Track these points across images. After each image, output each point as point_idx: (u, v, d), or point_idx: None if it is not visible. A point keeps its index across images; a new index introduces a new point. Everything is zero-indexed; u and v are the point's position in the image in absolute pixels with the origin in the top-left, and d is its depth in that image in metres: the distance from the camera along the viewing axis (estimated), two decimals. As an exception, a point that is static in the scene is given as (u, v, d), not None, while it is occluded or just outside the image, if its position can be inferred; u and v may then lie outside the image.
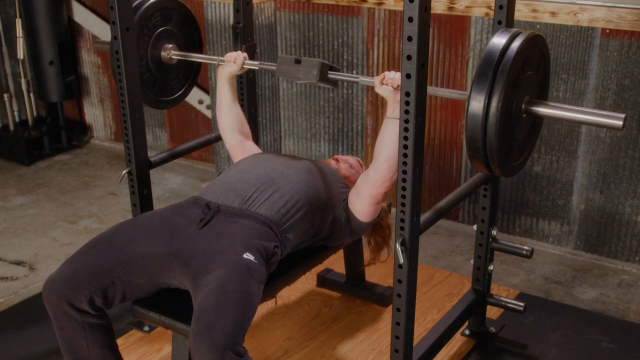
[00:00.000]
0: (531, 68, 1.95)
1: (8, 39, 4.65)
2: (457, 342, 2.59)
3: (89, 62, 4.59)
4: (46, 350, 2.59)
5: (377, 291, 2.83)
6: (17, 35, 4.36)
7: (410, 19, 1.65)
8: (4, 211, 3.78)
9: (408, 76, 1.71)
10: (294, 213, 2.16)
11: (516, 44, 1.85)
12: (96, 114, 4.72)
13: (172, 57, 2.61)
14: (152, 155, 2.58)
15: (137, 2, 2.46)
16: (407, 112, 1.74)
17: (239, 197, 2.15)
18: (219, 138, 2.69)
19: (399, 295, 1.94)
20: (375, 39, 3.48)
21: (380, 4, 3.40)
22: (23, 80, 4.51)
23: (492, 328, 2.63)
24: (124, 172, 2.47)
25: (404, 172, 1.80)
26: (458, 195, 2.23)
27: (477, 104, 1.82)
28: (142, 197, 2.50)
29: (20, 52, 4.39)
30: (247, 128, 2.59)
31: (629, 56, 2.91)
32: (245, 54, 2.48)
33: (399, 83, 2.08)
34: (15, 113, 4.60)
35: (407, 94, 1.72)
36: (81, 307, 2.00)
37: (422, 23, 1.66)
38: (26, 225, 3.63)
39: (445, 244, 3.37)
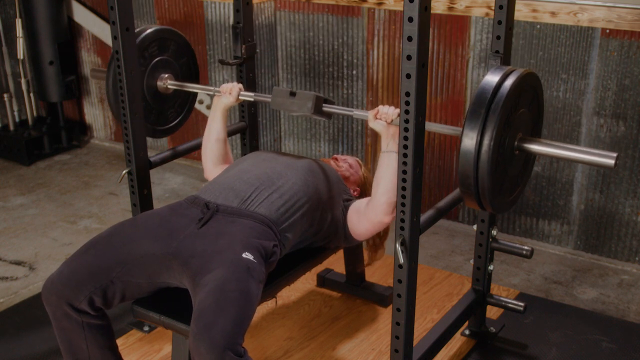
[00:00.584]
0: (524, 105, 1.98)
1: (8, 39, 4.65)
2: (457, 342, 2.59)
3: (89, 62, 4.59)
4: (46, 350, 2.59)
5: (377, 291, 2.83)
6: (17, 35, 4.36)
7: (410, 19, 1.65)
8: (4, 211, 3.78)
9: (408, 76, 1.70)
10: (293, 212, 2.16)
11: (509, 82, 1.88)
12: (96, 114, 4.72)
13: (169, 86, 2.61)
14: (152, 155, 2.58)
15: None
16: (407, 112, 1.74)
17: (238, 197, 2.15)
18: (219, 138, 2.69)
19: (399, 295, 1.94)
20: (375, 39, 3.48)
21: (380, 4, 3.40)
22: (23, 80, 4.51)
23: (492, 328, 2.63)
24: (124, 172, 2.47)
25: (404, 172, 1.80)
26: (458, 195, 2.23)
27: (469, 141, 1.84)
28: (142, 197, 2.50)
29: (20, 52, 4.39)
30: (230, 158, 2.58)
31: (629, 56, 2.91)
32: (240, 85, 2.50)
33: (393, 118, 2.09)
34: (15, 113, 4.60)
35: (407, 94, 1.72)
36: (81, 308, 2.00)
37: (422, 23, 1.66)
38: (26, 225, 3.63)
39: (445, 244, 3.37)
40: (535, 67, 3.11)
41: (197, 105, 4.13)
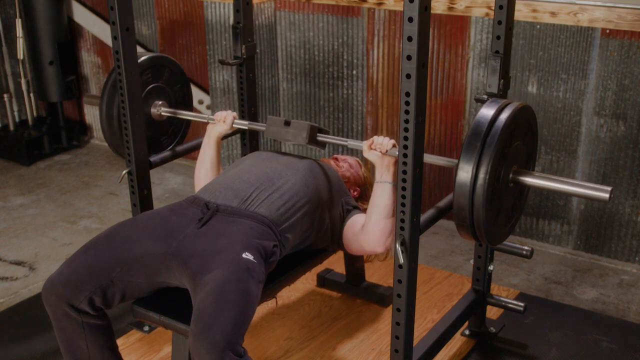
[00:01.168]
0: (519, 138, 2.00)
1: (8, 39, 4.65)
2: (457, 342, 2.59)
3: (89, 62, 4.59)
4: (46, 350, 2.59)
5: (377, 291, 2.83)
6: (17, 35, 4.36)
7: (410, 19, 1.65)
8: (4, 211, 3.78)
9: (408, 76, 1.70)
10: (293, 213, 2.16)
11: (504, 115, 1.90)
12: (96, 114, 4.72)
13: (162, 113, 2.61)
14: (152, 155, 2.58)
15: None
16: (407, 112, 1.74)
17: (238, 197, 2.14)
18: (219, 138, 2.69)
19: (399, 295, 1.94)
20: (375, 39, 3.48)
21: (380, 4, 3.40)
22: (23, 80, 4.51)
23: (492, 328, 2.63)
24: (124, 172, 2.47)
25: (404, 172, 1.80)
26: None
27: (465, 175, 1.86)
28: (142, 197, 2.50)
29: (20, 52, 4.39)
30: None
31: (629, 56, 2.91)
32: (234, 113, 2.50)
33: (388, 148, 2.09)
34: (15, 113, 4.60)
35: (407, 94, 1.72)
36: (81, 308, 2.00)
37: (422, 23, 1.66)
38: (26, 225, 3.63)
39: (445, 244, 3.37)
40: (535, 67, 3.11)
41: (197, 105, 4.13)
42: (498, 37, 2.23)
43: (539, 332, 2.67)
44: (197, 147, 2.75)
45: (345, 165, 2.52)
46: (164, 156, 2.62)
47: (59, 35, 4.33)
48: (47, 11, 4.25)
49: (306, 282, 2.94)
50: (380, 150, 2.11)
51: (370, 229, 2.17)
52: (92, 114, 4.75)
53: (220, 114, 2.49)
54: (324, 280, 2.93)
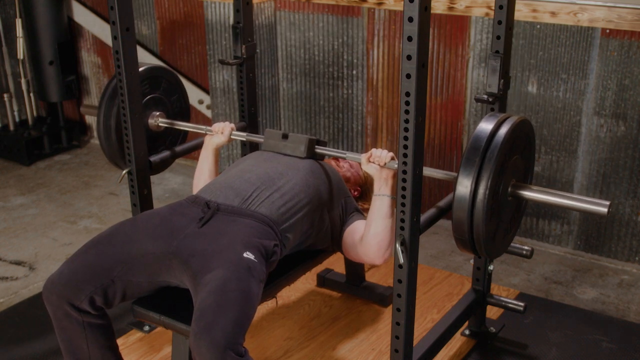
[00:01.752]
0: (517, 152, 2.00)
1: (8, 39, 4.65)
2: (457, 342, 2.59)
3: (89, 62, 4.59)
4: (46, 350, 2.59)
5: (377, 291, 2.83)
6: (17, 35, 4.36)
7: (410, 19, 1.65)
8: (4, 211, 3.78)
9: (408, 76, 1.70)
10: (294, 213, 2.16)
11: (503, 130, 1.90)
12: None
13: (160, 124, 2.61)
14: (152, 155, 2.58)
15: None
16: (407, 112, 1.74)
17: (238, 196, 2.14)
18: (219, 138, 2.69)
19: (399, 295, 1.94)
20: (375, 39, 3.48)
21: (380, 4, 3.40)
22: (23, 80, 4.51)
23: (492, 328, 2.63)
24: (124, 172, 2.47)
25: (404, 172, 1.80)
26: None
27: (464, 190, 1.86)
28: (142, 197, 2.50)
29: (20, 52, 4.40)
30: None
31: (629, 56, 2.91)
32: (232, 125, 2.50)
33: (386, 161, 2.10)
34: (15, 113, 4.60)
35: (407, 94, 1.72)
36: (81, 307, 2.00)
37: (422, 23, 1.66)
38: (26, 225, 3.63)
39: (445, 244, 3.37)
40: (535, 67, 3.11)
41: (197, 105, 4.13)
42: (498, 37, 2.23)
43: (539, 332, 2.67)
44: (197, 147, 2.76)
45: (345, 165, 2.53)
46: (163, 156, 2.62)
47: (59, 35, 4.33)
48: (47, 11, 4.25)
49: (306, 282, 2.94)
50: (378, 163, 2.11)
51: (369, 241, 2.17)
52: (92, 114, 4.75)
53: (218, 126, 2.49)
54: (324, 280, 2.93)
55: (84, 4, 4.45)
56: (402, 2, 1.66)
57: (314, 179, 2.26)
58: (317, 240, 2.31)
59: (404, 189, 1.82)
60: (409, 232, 1.85)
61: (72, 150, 4.61)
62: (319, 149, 2.33)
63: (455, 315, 2.42)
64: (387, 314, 2.74)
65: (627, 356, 2.54)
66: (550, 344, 2.60)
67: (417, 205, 1.85)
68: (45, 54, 4.32)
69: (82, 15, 4.46)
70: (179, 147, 2.71)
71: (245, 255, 1.95)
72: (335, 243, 2.34)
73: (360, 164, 2.57)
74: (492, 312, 2.74)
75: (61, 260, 3.20)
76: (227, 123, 2.49)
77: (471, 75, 3.29)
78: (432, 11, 2.97)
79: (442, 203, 2.14)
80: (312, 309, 2.80)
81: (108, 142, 2.54)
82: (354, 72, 3.59)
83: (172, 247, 2.01)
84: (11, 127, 4.51)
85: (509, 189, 1.99)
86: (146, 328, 2.65)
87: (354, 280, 2.86)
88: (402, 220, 1.85)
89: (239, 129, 2.84)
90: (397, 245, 1.86)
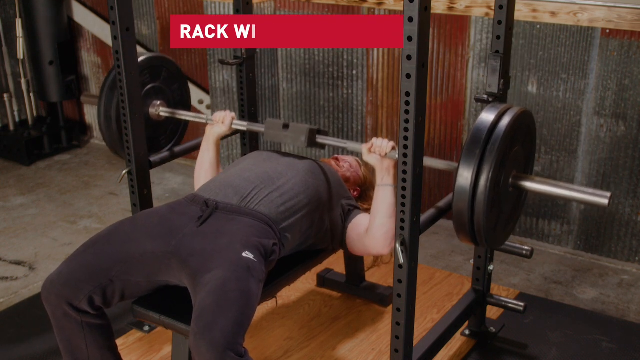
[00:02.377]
0: (518, 143, 1.99)
1: (8, 39, 4.65)
2: (457, 342, 2.59)
3: (89, 62, 4.59)
4: (46, 350, 2.59)
5: (377, 291, 2.83)
6: (17, 35, 4.36)
7: (410, 19, 1.65)
8: (4, 211, 3.78)
9: (408, 76, 1.70)
10: (293, 213, 2.15)
11: (505, 121, 1.89)
12: (96, 114, 4.71)
13: (161, 114, 2.61)
14: (152, 155, 2.58)
15: None
16: (407, 112, 1.74)
17: (237, 195, 2.14)
18: (218, 138, 2.69)
19: (399, 295, 1.94)
20: (375, 39, 3.48)
21: (380, 4, 3.40)
22: (23, 80, 4.51)
23: (492, 328, 2.63)
24: (124, 172, 2.47)
25: (404, 172, 1.80)
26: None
27: (465, 181, 1.86)
28: (142, 197, 2.50)
29: (20, 52, 4.39)
30: None
31: (629, 56, 2.91)
32: (233, 114, 2.49)
33: (387, 151, 2.09)
34: (15, 113, 4.60)
35: (407, 94, 1.72)
36: (80, 307, 1.99)
37: (422, 23, 1.66)
38: (26, 225, 3.63)
39: (445, 244, 3.37)
40: (535, 67, 3.11)
41: (197, 105, 4.13)
42: (498, 37, 2.23)
43: (539, 332, 2.67)
44: (197, 147, 2.75)
45: (345, 165, 2.52)
46: (163, 156, 2.62)
47: (59, 35, 4.33)
48: (47, 11, 4.25)
49: (306, 282, 2.94)
50: (379, 153, 2.11)
51: (374, 232, 2.17)
52: (92, 114, 4.75)
53: (219, 115, 2.48)
54: (324, 280, 2.93)
55: (84, 4, 4.45)
56: (402, 2, 1.66)
57: (313, 180, 2.26)
58: (316, 241, 2.30)
59: (404, 188, 1.82)
60: (409, 232, 1.85)
61: (72, 150, 4.61)
62: (320, 139, 2.32)
63: (455, 315, 2.42)
64: (387, 314, 2.74)
65: (627, 356, 2.53)
66: (550, 344, 2.60)
67: (417, 205, 1.85)
68: (45, 54, 4.32)
69: (82, 15, 4.46)
70: (179, 147, 2.70)
71: (244, 254, 1.95)
72: (337, 242, 2.34)
73: (360, 163, 2.59)
74: (492, 312, 2.74)
75: (61, 260, 3.20)
76: (227, 112, 2.49)
77: (471, 75, 3.29)
78: (432, 11, 2.96)
79: (442, 203, 2.14)
80: (312, 309, 2.80)
81: (109, 132, 2.55)
82: (354, 72, 3.59)
83: (171, 246, 2.01)
84: (11, 127, 4.51)
85: (510, 180, 1.99)
86: (146, 328, 2.65)
87: (354, 280, 2.86)
88: (402, 220, 1.85)
89: (239, 129, 2.85)
90: (397, 245, 1.86)
